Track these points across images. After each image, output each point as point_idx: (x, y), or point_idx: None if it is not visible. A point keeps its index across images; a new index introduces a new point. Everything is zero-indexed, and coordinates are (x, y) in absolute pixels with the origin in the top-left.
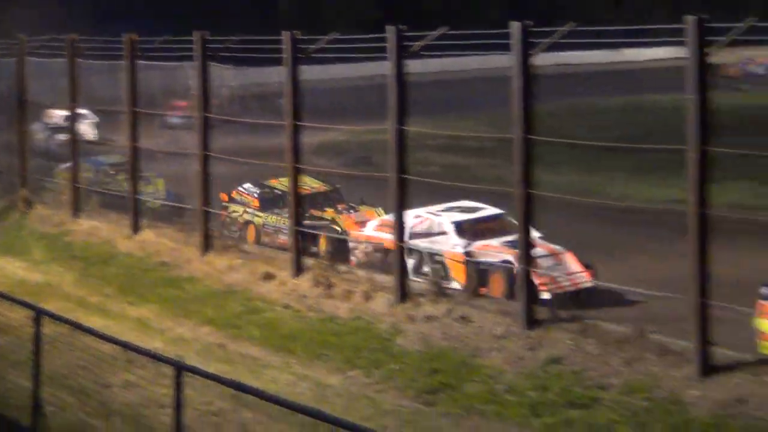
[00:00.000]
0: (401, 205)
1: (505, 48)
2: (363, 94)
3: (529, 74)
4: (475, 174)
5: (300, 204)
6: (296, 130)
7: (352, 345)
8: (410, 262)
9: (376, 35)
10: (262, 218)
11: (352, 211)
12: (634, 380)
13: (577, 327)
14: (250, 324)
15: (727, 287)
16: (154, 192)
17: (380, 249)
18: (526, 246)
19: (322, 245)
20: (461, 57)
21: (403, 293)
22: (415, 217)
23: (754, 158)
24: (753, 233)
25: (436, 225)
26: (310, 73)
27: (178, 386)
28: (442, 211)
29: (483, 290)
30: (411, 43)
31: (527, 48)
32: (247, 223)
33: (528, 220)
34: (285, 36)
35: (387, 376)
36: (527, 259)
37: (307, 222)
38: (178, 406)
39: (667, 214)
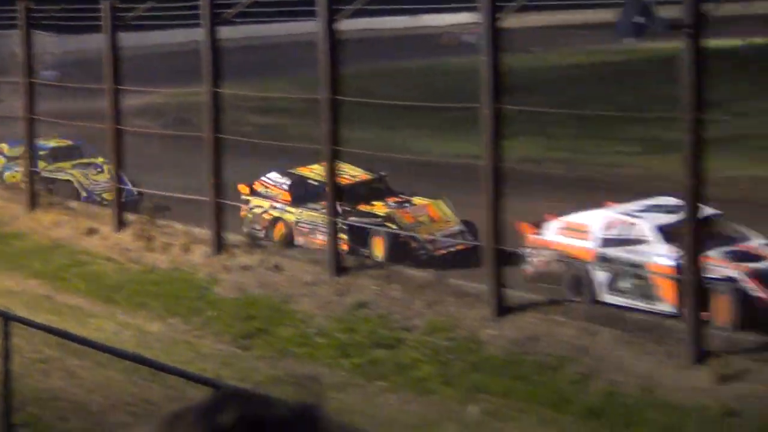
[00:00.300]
0: (217, 163)
1: (314, 15)
2: (181, 60)
3: (335, 39)
4: (287, 133)
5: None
6: (116, 94)
7: (172, 294)
8: (602, 276)
9: (190, 3)
10: (294, 215)
11: (407, 204)
12: (436, 322)
13: (382, 273)
14: (75, 276)
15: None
16: (108, 180)
17: (564, 258)
18: (333, 199)
19: (378, 248)
20: (274, 23)
21: (220, 245)
22: (606, 219)
23: (544, 115)
24: (543, 183)
25: (634, 229)
26: (131, 40)
27: (6, 336)
28: (640, 211)
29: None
30: (223, 11)
31: (332, 14)
32: (276, 220)
33: (334, 176)
34: (104, 5)
35: (205, 323)
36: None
37: (353, 219)
38: (7, 354)
39: (465, 168)
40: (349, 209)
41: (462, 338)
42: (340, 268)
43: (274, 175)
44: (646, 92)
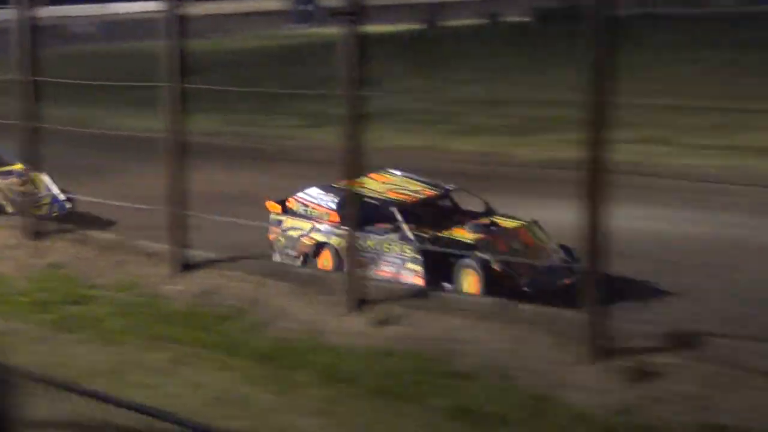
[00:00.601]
0: None
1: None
2: None
3: (32, 25)
4: None
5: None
6: None
7: None
8: None
9: None
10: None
11: (493, 228)
12: (123, 279)
13: (76, 237)
14: None
15: (201, 199)
16: (34, 191)
17: None
18: None
19: (469, 283)
20: None
21: None
22: None
23: (222, 93)
24: (227, 155)
25: None
26: None
27: None
28: None
29: None
30: None
31: (31, 2)
32: (320, 246)
33: (35, 148)
34: None
35: None
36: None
37: (429, 246)
38: None
39: (151, 141)
40: (426, 236)
41: (147, 294)
42: (37, 233)
43: (314, 191)
44: (313, 72)
